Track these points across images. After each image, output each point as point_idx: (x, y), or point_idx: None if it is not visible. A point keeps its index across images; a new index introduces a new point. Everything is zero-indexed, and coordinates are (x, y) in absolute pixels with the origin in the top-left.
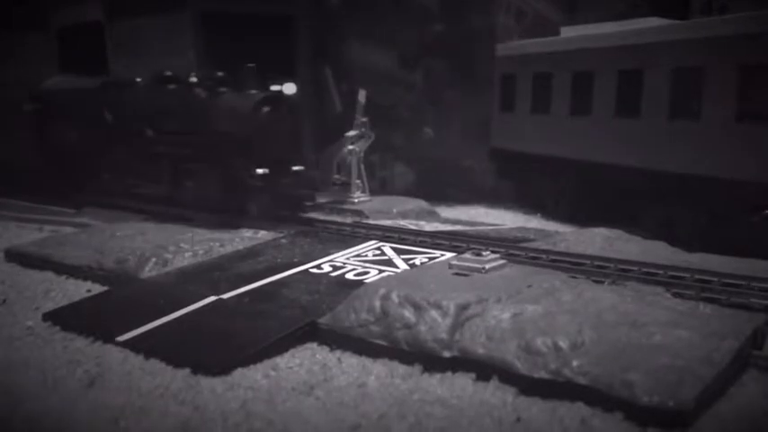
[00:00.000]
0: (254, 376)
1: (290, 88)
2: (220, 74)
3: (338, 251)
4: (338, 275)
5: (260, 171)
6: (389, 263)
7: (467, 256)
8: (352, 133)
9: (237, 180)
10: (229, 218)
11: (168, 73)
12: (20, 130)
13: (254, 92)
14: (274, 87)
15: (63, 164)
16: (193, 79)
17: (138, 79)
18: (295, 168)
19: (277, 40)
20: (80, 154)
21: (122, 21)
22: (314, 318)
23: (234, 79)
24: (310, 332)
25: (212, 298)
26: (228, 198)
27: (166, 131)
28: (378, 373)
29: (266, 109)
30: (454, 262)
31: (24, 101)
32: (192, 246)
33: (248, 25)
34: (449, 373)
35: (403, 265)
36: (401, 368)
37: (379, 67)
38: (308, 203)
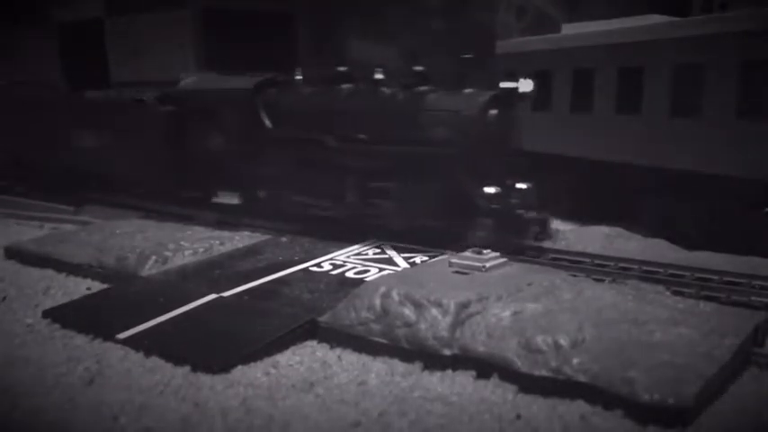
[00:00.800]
0: (254, 374)
1: (526, 85)
2: (418, 68)
3: (338, 249)
4: (338, 274)
5: (490, 190)
6: (390, 261)
7: (467, 254)
8: None
9: (457, 200)
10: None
11: (342, 68)
12: (137, 134)
13: (469, 90)
14: (505, 84)
15: (203, 173)
16: (379, 76)
17: (299, 77)
18: (520, 186)
19: (278, 36)
20: (227, 163)
21: (123, 17)
22: (314, 316)
23: (429, 76)
24: (311, 330)
25: (212, 296)
26: (444, 222)
27: (351, 140)
28: (378, 370)
29: (494, 112)
30: (454, 260)
31: (150, 102)
32: (192, 244)
33: (249, 21)
34: (449, 371)
35: (403, 264)
36: (401, 366)
37: (381, 63)
38: (538, 230)
